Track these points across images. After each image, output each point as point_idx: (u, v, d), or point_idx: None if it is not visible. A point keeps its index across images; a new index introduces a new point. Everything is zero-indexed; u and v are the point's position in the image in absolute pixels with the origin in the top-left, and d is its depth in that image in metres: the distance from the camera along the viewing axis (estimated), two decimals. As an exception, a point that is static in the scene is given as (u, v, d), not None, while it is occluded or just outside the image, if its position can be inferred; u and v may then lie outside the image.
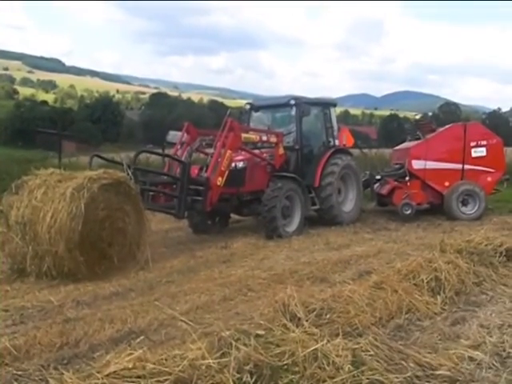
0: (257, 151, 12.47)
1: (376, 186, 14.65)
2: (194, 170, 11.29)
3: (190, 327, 5.66)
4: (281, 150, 12.45)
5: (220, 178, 10.67)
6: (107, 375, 3.59)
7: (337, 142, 13.75)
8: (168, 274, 8.46)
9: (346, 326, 5.42)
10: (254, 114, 13.91)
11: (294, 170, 12.68)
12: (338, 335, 4.92)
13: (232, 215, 13.17)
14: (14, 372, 4.77)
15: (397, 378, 4.21)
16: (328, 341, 4.40)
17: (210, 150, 11.45)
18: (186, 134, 11.67)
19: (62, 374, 3.78)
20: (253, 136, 12.12)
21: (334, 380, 3.99)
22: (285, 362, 4.13)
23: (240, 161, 11.77)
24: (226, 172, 10.81)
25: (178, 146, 11.61)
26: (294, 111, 13.00)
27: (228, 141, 10.98)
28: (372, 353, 4.52)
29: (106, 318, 6.23)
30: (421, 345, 5.09)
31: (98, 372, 3.64)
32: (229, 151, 10.90)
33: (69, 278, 8.02)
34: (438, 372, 4.45)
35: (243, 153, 11.95)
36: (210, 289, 7.50)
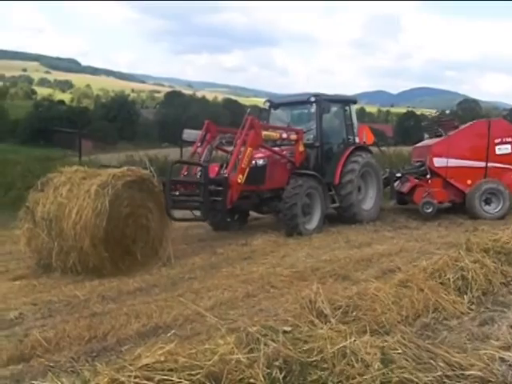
0: (277, 148, 12.45)
1: (396, 183, 14.54)
2: (214, 168, 11.33)
3: (215, 323, 5.71)
4: (301, 148, 12.42)
5: (241, 176, 10.66)
6: (140, 368, 3.60)
7: (357, 140, 13.68)
8: (190, 271, 8.51)
9: (373, 323, 5.38)
10: (274, 112, 13.88)
11: (314, 168, 12.64)
12: (365, 333, 4.90)
13: (250, 213, 13.16)
14: (47, 363, 4.86)
15: (426, 376, 4.14)
16: (355, 338, 4.39)
17: (230, 148, 11.46)
18: (205, 132, 11.64)
19: (95, 365, 3.80)
20: (273, 133, 12.09)
21: (364, 377, 3.96)
22: (314, 359, 4.13)
23: (260, 158, 11.76)
24: (247, 169, 10.80)
25: (198, 144, 11.60)
26: (314, 108, 12.97)
27: (249, 138, 10.97)
28: (400, 351, 4.47)
29: (131, 312, 6.28)
30: (449, 344, 5.02)
31: (131, 365, 3.66)
32: (249, 148, 10.89)
33: (93, 273, 8.10)
34: (468, 372, 4.38)
35: (263, 150, 11.94)
36: (233, 285, 7.53)
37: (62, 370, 4.69)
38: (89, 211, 7.96)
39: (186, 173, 11.45)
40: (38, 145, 69.82)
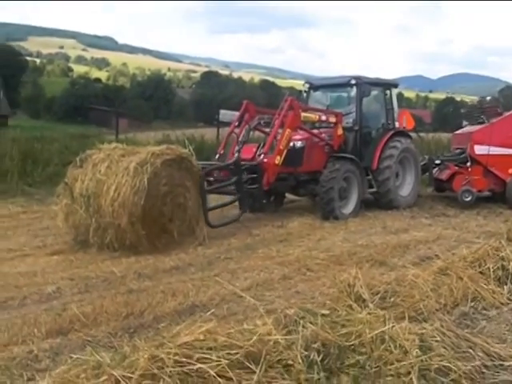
0: (315, 131, 12.29)
1: (434, 170, 14.31)
2: (252, 149, 11.26)
3: (252, 303, 5.72)
4: (340, 131, 12.23)
5: (278, 157, 10.56)
6: (179, 345, 3.61)
7: (397, 125, 13.44)
8: (226, 251, 8.51)
9: (411, 310, 5.32)
10: (313, 94, 13.68)
11: (352, 152, 12.45)
12: (403, 319, 4.86)
13: (286, 195, 13.10)
14: (84, 337, 4.93)
15: (465, 365, 4.09)
16: (394, 324, 4.35)
17: (268, 129, 11.38)
18: (244, 112, 11.55)
19: (134, 341, 3.83)
20: (312, 115, 11.93)
21: (402, 363, 3.93)
22: (352, 343, 4.10)
23: (298, 140, 11.62)
24: (285, 151, 10.70)
25: (236, 124, 11.54)
26: (354, 91, 12.76)
27: (287, 119, 10.87)
28: (439, 339, 4.41)
29: (168, 290, 6.34)
30: (488, 334, 4.95)
31: (170, 342, 3.67)
32: (288, 130, 10.79)
33: (130, 250, 8.17)
34: (507, 363, 4.33)
35: (301, 132, 11.80)
36: (269, 267, 7.53)
37: (99, 344, 4.75)
38: (127, 188, 8.02)
39: (222, 151, 11.46)
40: (73, 122, 70.77)
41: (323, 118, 12.04)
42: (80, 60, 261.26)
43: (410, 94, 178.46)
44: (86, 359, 3.57)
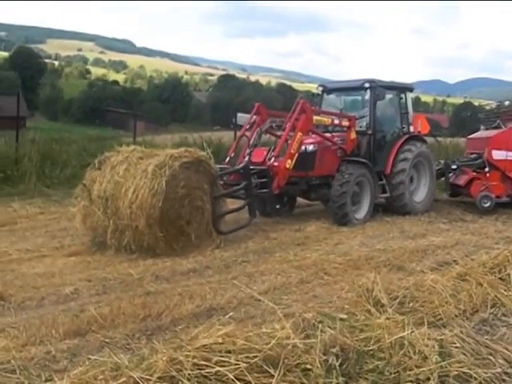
0: (328, 135, 12.12)
1: (450, 175, 14.12)
2: (262, 152, 11.08)
3: (269, 307, 5.70)
4: (353, 135, 12.02)
5: (289, 161, 10.43)
6: (198, 348, 3.60)
7: (412, 129, 13.24)
8: (243, 254, 8.50)
9: (430, 315, 5.28)
10: (326, 97, 13.52)
11: (366, 156, 12.27)
12: (421, 324, 4.82)
13: (303, 199, 12.99)
14: (102, 339, 4.94)
15: (485, 373, 4.04)
16: (413, 329, 4.31)
17: (279, 132, 11.28)
18: (255, 115, 11.45)
19: (152, 343, 3.82)
20: (325, 119, 11.80)
21: (421, 369, 3.90)
22: (370, 348, 4.07)
23: (310, 144, 11.45)
24: (296, 155, 10.56)
25: (247, 127, 11.45)
26: (368, 95, 12.53)
27: (299, 123, 10.74)
28: (458, 345, 4.38)
29: (185, 293, 6.34)
30: (508, 341, 4.88)
31: (188, 344, 3.66)
32: (299, 133, 10.65)
33: (147, 252, 8.18)
34: (528, 371, 4.29)
35: (314, 136, 11.68)
36: (286, 270, 7.51)
37: (117, 346, 4.75)
38: (145, 191, 8.03)
39: (232, 154, 11.38)
40: (90, 124, 71.26)
41: (336, 121, 11.88)
42: (98, 62, 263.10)
43: (427, 98, 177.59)
44: (103, 361, 3.57)
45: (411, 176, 12.75)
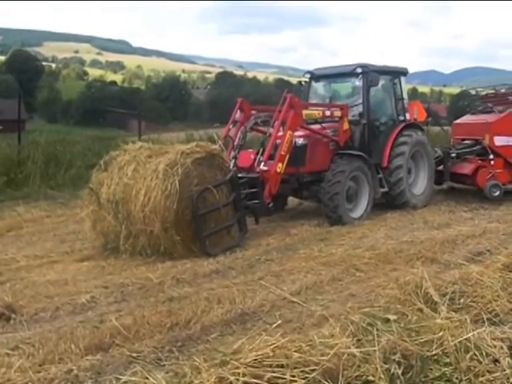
0: (318, 126, 11.03)
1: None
2: (250, 156, 10.16)
3: (305, 309, 5.27)
4: (345, 125, 11.03)
5: (280, 164, 9.51)
6: (246, 364, 3.15)
7: (407, 116, 12.25)
8: (266, 252, 8.03)
9: (484, 311, 4.82)
10: (315, 85, 12.48)
11: (360, 147, 11.26)
12: (478, 322, 4.43)
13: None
14: (128, 353, 4.45)
15: None
16: (474, 329, 3.87)
17: (266, 128, 10.47)
18: (239, 112, 10.49)
19: (193, 360, 3.34)
20: (315, 112, 10.85)
21: (494, 374, 3.50)
22: (434, 352, 3.65)
23: (300, 137, 10.52)
24: (287, 156, 9.67)
25: (230, 126, 10.48)
26: (360, 81, 11.50)
27: (288, 120, 9.84)
28: (525, 344, 3.95)
29: (212, 297, 5.88)
30: None
31: (234, 359, 3.21)
32: (289, 132, 9.75)
33: (164, 256, 7.68)
34: None
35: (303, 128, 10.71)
36: (314, 268, 7.05)
37: (146, 361, 4.29)
38: (158, 193, 7.53)
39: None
40: (90, 125, 71.10)
41: (327, 113, 10.91)
42: (95, 64, 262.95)
43: (424, 88, 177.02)
44: (136, 381, 3.12)
45: (409, 167, 11.85)
